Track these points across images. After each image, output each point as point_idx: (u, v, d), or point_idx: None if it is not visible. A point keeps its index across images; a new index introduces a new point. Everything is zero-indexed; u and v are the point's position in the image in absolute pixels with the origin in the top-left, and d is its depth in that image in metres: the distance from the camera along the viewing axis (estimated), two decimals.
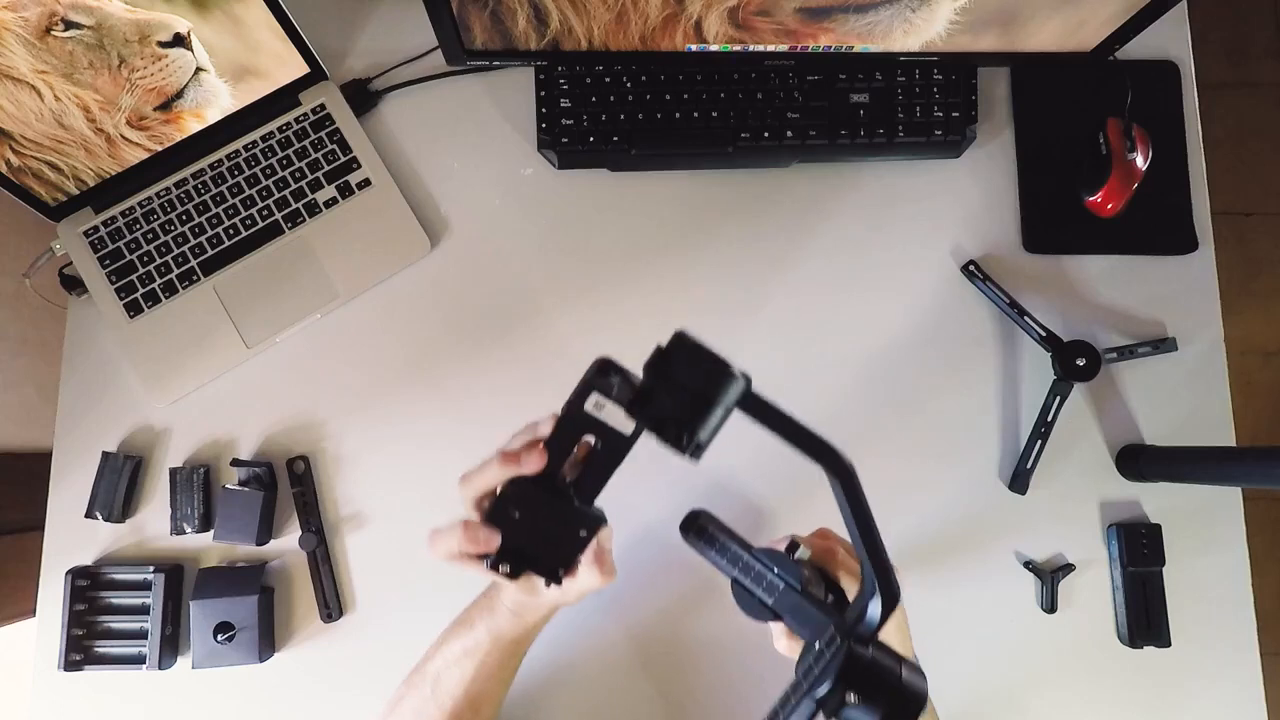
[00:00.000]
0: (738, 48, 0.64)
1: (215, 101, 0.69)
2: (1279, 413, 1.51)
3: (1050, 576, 0.68)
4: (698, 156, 0.73)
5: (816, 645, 0.39)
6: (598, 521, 0.45)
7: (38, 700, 0.67)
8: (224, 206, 0.71)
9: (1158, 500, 0.70)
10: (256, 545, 0.67)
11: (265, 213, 0.72)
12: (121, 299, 0.70)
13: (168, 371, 0.70)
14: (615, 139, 0.71)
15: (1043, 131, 0.75)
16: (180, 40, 0.62)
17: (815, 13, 0.60)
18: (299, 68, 0.70)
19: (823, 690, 0.35)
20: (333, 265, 0.72)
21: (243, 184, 0.72)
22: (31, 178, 0.66)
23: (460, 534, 0.44)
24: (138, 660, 0.66)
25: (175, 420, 0.71)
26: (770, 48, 0.64)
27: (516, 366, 0.71)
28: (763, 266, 0.73)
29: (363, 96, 0.74)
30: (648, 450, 0.39)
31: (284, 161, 0.72)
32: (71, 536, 0.69)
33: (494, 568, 0.45)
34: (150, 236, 0.71)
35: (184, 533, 0.68)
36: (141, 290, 0.71)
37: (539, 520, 0.45)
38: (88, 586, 0.67)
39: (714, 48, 0.64)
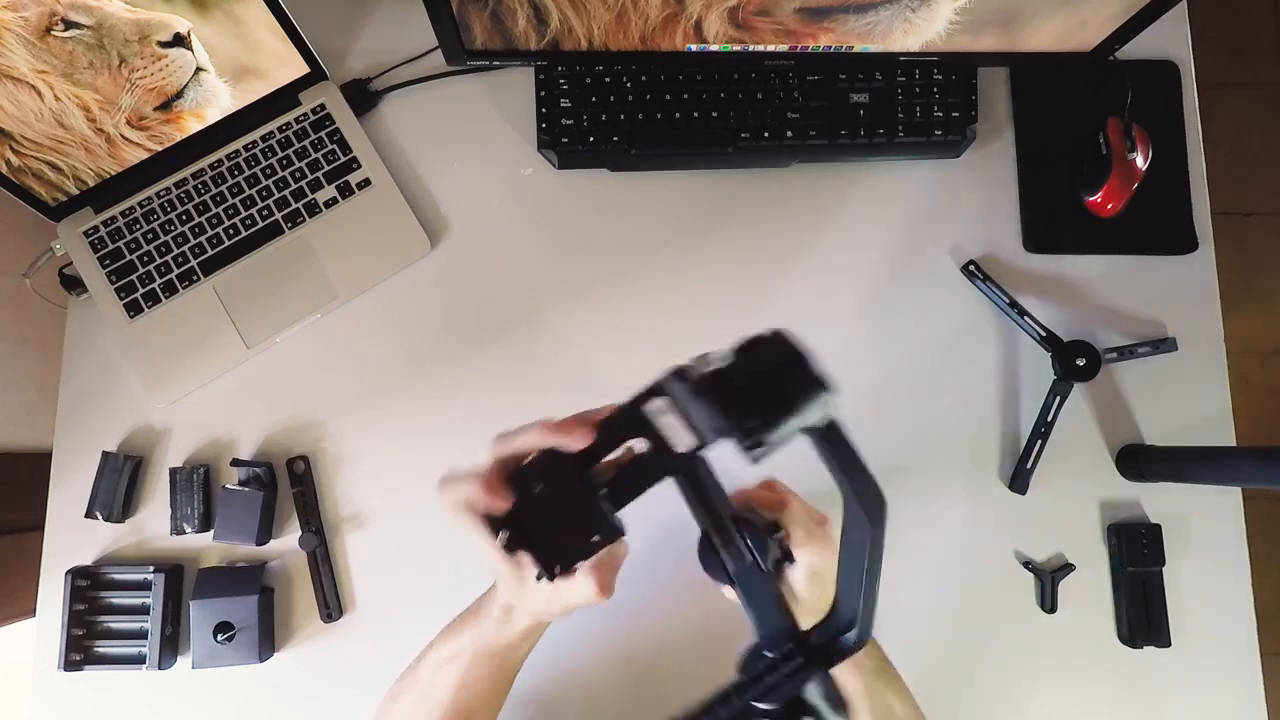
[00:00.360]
0: (738, 48, 0.64)
1: (215, 101, 0.69)
2: (1279, 413, 1.51)
3: (1050, 576, 0.68)
4: (698, 156, 0.73)
5: (768, 653, 0.38)
6: (615, 532, 0.41)
7: (38, 700, 0.67)
8: (224, 206, 0.71)
9: (1158, 500, 0.70)
10: (256, 545, 0.67)
11: (265, 213, 0.72)
12: (121, 299, 0.70)
13: (168, 371, 0.70)
14: (615, 139, 0.71)
15: (1043, 131, 0.75)
16: (180, 40, 0.62)
17: (815, 13, 0.60)
18: (299, 68, 0.70)
19: (770, 708, 0.35)
20: (333, 265, 0.72)
21: (243, 184, 0.72)
22: (31, 178, 0.66)
23: (475, 484, 0.41)
24: (138, 660, 0.66)
25: (175, 420, 0.71)
26: (770, 48, 0.64)
27: (516, 366, 0.71)
28: (762, 266, 0.73)
29: (363, 96, 0.74)
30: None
31: (284, 161, 0.72)
32: (71, 536, 0.69)
33: (494, 531, 0.42)
34: (150, 236, 0.71)
35: (184, 533, 0.68)
36: (141, 290, 0.71)
37: (559, 505, 0.41)
38: (88, 586, 0.67)
39: (714, 48, 0.64)
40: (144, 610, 0.66)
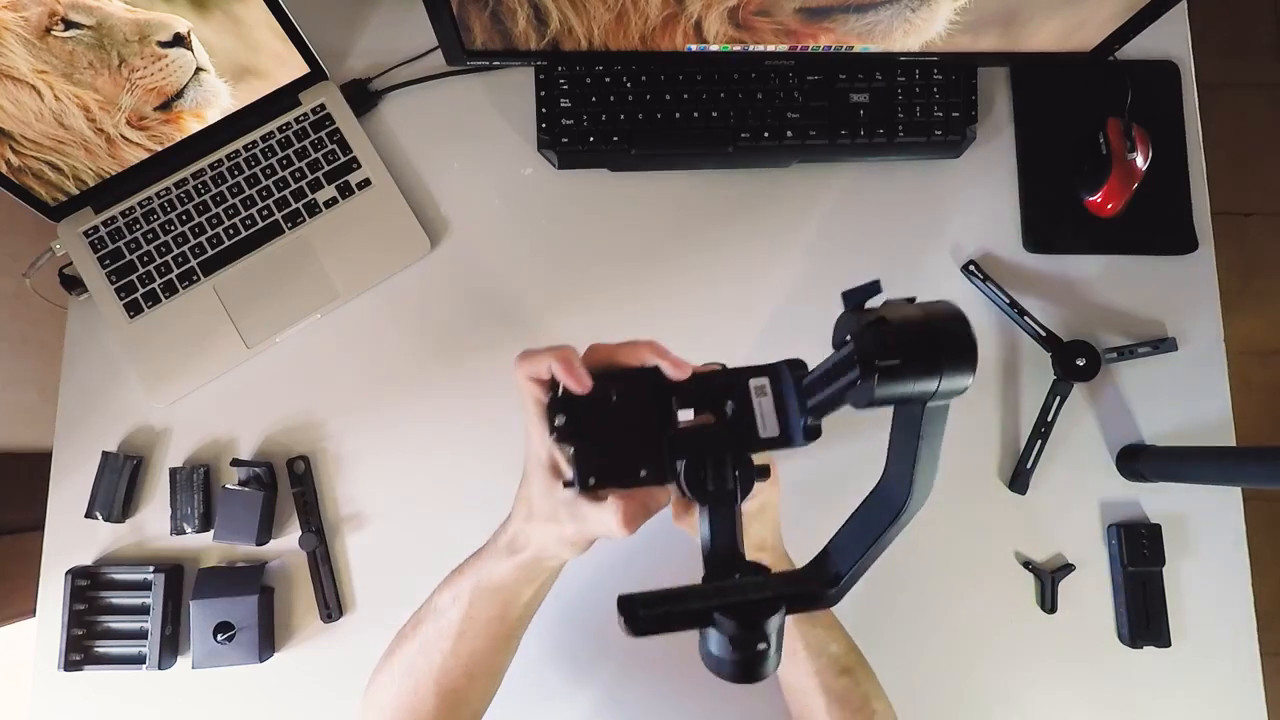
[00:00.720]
0: (738, 48, 0.64)
1: (215, 101, 0.69)
2: (1279, 413, 1.51)
3: (1050, 576, 0.68)
4: (698, 156, 0.73)
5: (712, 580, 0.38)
6: (664, 475, 0.40)
7: (38, 700, 0.67)
8: (224, 206, 0.71)
9: (1158, 500, 0.70)
10: (256, 545, 0.67)
11: (265, 213, 0.72)
12: (121, 299, 0.70)
13: (168, 371, 0.70)
14: (615, 139, 0.71)
15: (1043, 131, 0.75)
16: (180, 40, 0.62)
17: (815, 13, 0.60)
18: (299, 68, 0.70)
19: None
20: (333, 265, 0.72)
21: (243, 184, 0.72)
22: (31, 178, 0.66)
23: (561, 358, 0.40)
24: (138, 660, 0.66)
25: (175, 420, 0.71)
26: (770, 48, 0.64)
27: None
28: (762, 266, 0.73)
29: (363, 96, 0.74)
30: None
31: (284, 161, 0.72)
32: (71, 536, 0.69)
33: (550, 408, 0.41)
34: (150, 236, 0.71)
35: (184, 533, 0.68)
36: (141, 290, 0.71)
37: (626, 422, 0.40)
38: (88, 586, 0.67)
39: (714, 48, 0.64)
40: (144, 610, 0.66)
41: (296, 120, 0.72)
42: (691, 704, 0.66)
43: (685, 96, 0.71)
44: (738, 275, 0.73)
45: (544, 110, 0.71)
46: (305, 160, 0.72)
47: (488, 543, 0.49)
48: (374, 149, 0.73)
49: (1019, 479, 0.69)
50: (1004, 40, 0.64)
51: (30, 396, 0.79)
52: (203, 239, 0.71)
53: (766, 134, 0.71)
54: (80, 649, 0.66)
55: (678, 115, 0.71)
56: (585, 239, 0.74)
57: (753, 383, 0.40)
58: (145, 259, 0.71)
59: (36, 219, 0.70)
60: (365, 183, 0.72)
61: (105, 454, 0.69)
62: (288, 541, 0.69)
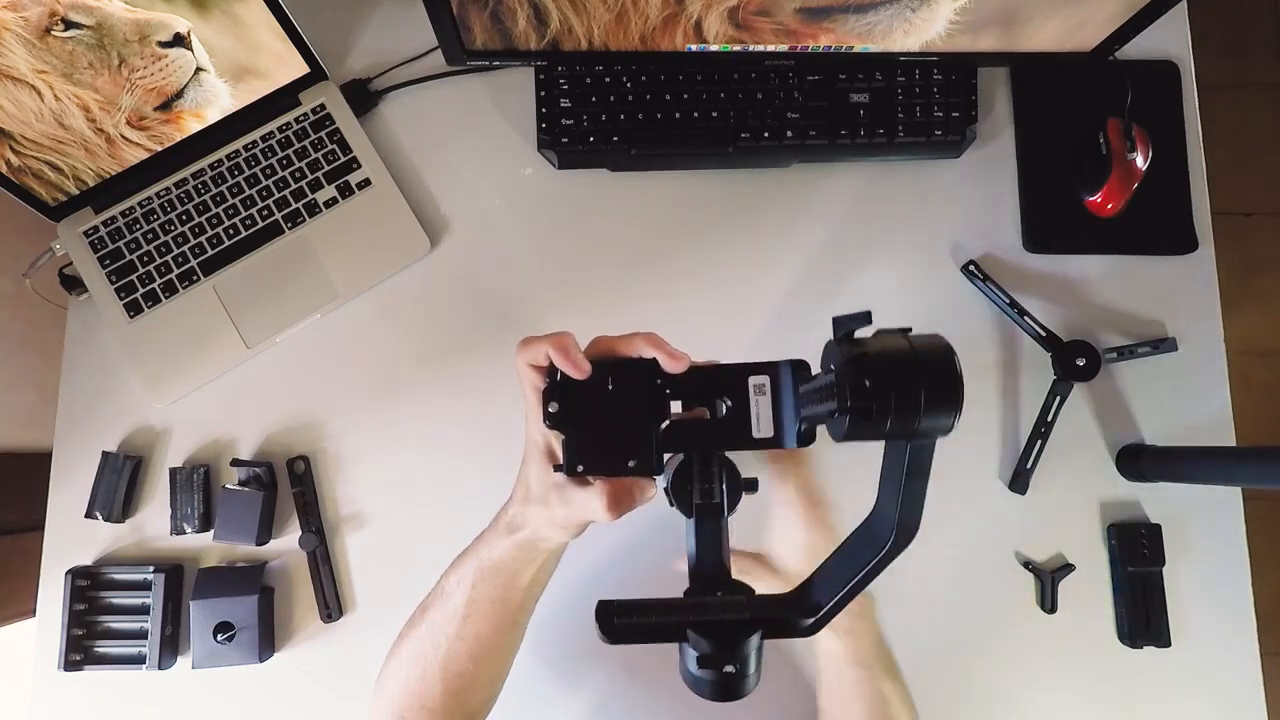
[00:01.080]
0: (738, 48, 0.64)
1: (215, 101, 0.69)
2: (1279, 413, 1.51)
3: (1050, 576, 0.68)
4: (698, 156, 0.73)
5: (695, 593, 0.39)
6: (650, 468, 0.41)
7: (38, 700, 0.67)
8: (224, 206, 0.71)
9: (1158, 500, 0.70)
10: (256, 545, 0.67)
11: (265, 213, 0.72)
12: (121, 299, 0.70)
13: (168, 371, 0.70)
14: (615, 139, 0.71)
15: (1043, 131, 0.75)
16: (180, 40, 0.62)
17: (815, 13, 0.60)
18: (299, 68, 0.70)
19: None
20: (333, 265, 0.72)
21: (243, 184, 0.72)
22: (31, 178, 0.66)
23: (560, 345, 0.41)
24: (138, 660, 0.66)
25: (175, 420, 0.71)
26: (770, 48, 0.64)
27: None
28: (762, 266, 0.73)
29: (363, 96, 0.74)
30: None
31: (284, 161, 0.72)
32: (71, 536, 0.69)
33: (545, 395, 0.41)
34: (150, 236, 0.71)
35: (184, 533, 0.68)
36: (141, 290, 0.71)
37: (619, 413, 0.41)
38: (88, 586, 0.67)
39: (714, 48, 0.64)
40: (144, 610, 0.66)
41: (296, 120, 0.72)
42: (688, 711, 0.66)
43: (685, 96, 0.71)
44: (737, 275, 0.73)
45: (544, 110, 0.71)
46: (305, 160, 0.72)
47: (490, 524, 0.49)
48: (374, 149, 0.73)
49: (1019, 479, 0.69)
50: (1004, 40, 0.64)
51: (30, 396, 0.79)
52: (203, 239, 0.71)
53: (766, 134, 0.71)
54: (80, 649, 0.66)
55: (678, 115, 0.71)
56: (585, 239, 0.74)
57: (753, 380, 0.40)
58: (145, 259, 0.71)
59: (36, 219, 0.70)
60: (365, 183, 0.72)
61: (105, 454, 0.69)
62: (288, 541, 0.69)
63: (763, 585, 0.50)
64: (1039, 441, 0.69)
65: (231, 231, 0.71)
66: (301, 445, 0.71)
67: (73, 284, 0.72)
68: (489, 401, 0.71)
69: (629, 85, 0.71)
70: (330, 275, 0.72)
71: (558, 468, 0.42)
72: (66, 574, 0.66)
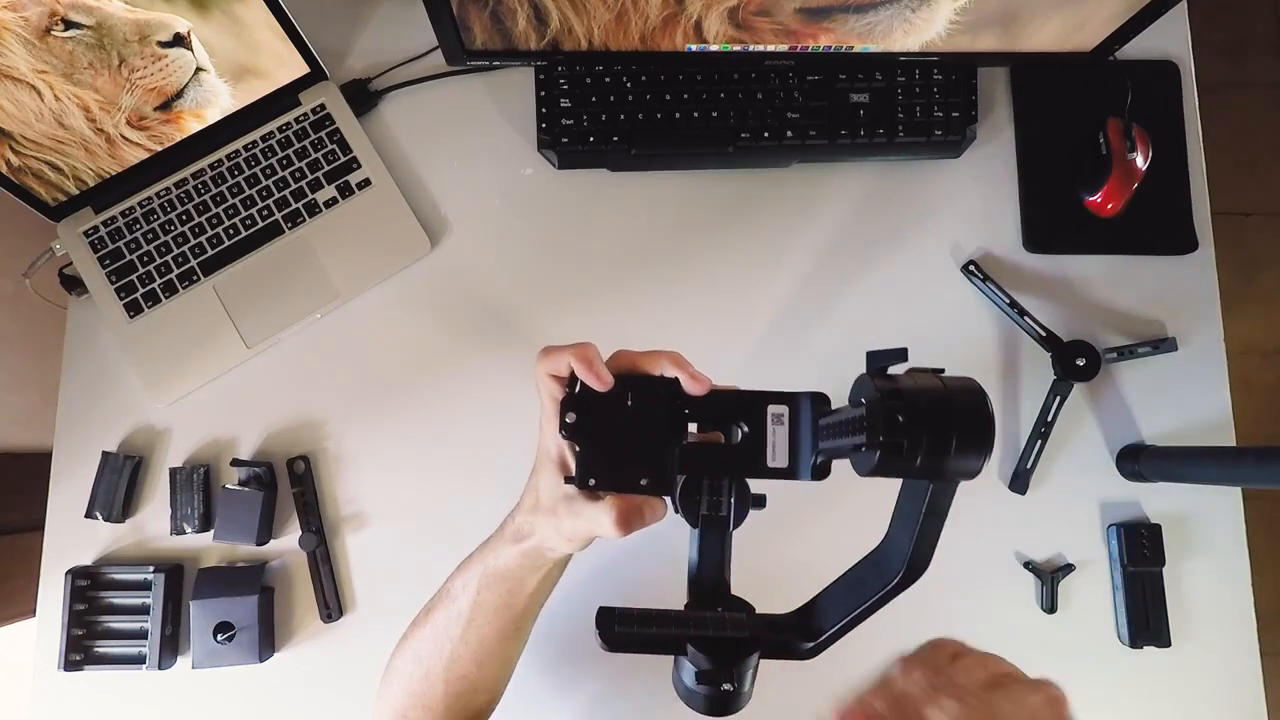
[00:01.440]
0: (738, 48, 0.64)
1: (215, 101, 0.69)
2: (1279, 413, 1.51)
3: (1050, 576, 0.68)
4: (698, 156, 0.73)
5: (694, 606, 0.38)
6: (663, 487, 0.41)
7: (38, 700, 0.67)
8: (224, 206, 0.71)
9: (1158, 500, 0.70)
10: (256, 545, 0.67)
11: (265, 213, 0.72)
12: (121, 299, 0.70)
13: (168, 371, 0.70)
14: (615, 139, 0.71)
15: (1043, 131, 0.75)
16: (180, 40, 0.62)
17: (815, 13, 0.60)
18: (299, 68, 0.70)
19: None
20: (333, 265, 0.72)
21: (243, 184, 0.72)
22: (31, 178, 0.66)
23: (576, 354, 0.41)
24: (138, 660, 0.66)
25: (175, 420, 0.71)
26: (770, 48, 0.64)
27: (517, 365, 0.71)
28: (762, 266, 0.73)
29: (363, 96, 0.74)
30: None
31: (284, 161, 0.72)
32: (71, 536, 0.69)
33: (563, 405, 0.41)
34: (150, 236, 0.71)
35: (184, 533, 0.68)
36: (141, 290, 0.71)
37: (636, 429, 0.41)
38: (88, 586, 0.67)
39: (714, 48, 0.64)
40: (144, 610, 0.66)
41: (296, 120, 0.72)
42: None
43: (685, 96, 0.71)
44: (738, 275, 0.73)
45: (544, 110, 0.71)
46: (305, 160, 0.72)
47: (497, 529, 0.49)
48: (374, 149, 0.73)
49: (1019, 479, 0.69)
50: (1004, 40, 0.64)
51: (30, 396, 0.80)
52: (203, 239, 0.71)
53: (766, 134, 0.71)
54: (80, 649, 0.66)
55: (678, 115, 0.71)
56: (585, 239, 0.74)
57: (771, 409, 0.40)
58: (145, 259, 0.71)
59: (36, 219, 0.70)
60: (365, 183, 0.72)
61: (105, 454, 0.69)
62: (288, 541, 0.69)
63: None
64: (1039, 441, 0.69)
65: (231, 231, 0.71)
66: (301, 445, 0.71)
67: (73, 284, 0.72)
68: (489, 401, 0.71)
69: (629, 85, 0.70)
70: (330, 275, 0.72)
71: (569, 479, 0.42)
72: (66, 574, 0.66)
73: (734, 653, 0.35)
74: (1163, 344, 0.71)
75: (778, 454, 0.40)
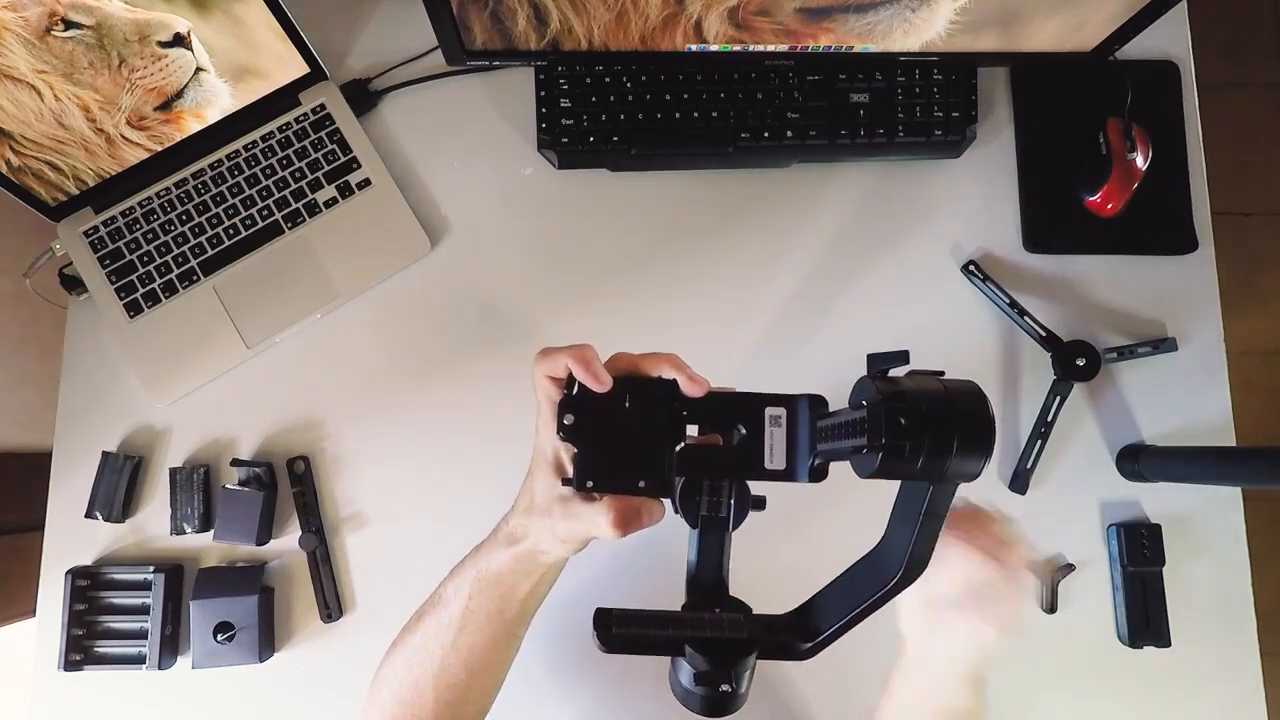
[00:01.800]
0: (738, 48, 0.64)
1: (215, 101, 0.69)
2: (1279, 413, 1.51)
3: (1050, 576, 0.68)
4: (698, 156, 0.73)
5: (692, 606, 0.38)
6: (662, 489, 0.41)
7: (38, 700, 0.67)
8: (224, 206, 0.71)
9: (1158, 500, 0.70)
10: (256, 545, 0.67)
11: (265, 213, 0.72)
12: (121, 299, 0.70)
13: (168, 371, 0.70)
14: (615, 139, 0.71)
15: (1043, 131, 0.75)
16: (180, 40, 0.62)
17: (815, 13, 0.60)
18: (299, 68, 0.70)
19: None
20: (333, 265, 0.72)
21: (243, 184, 0.72)
22: (31, 178, 0.66)
23: (574, 356, 0.40)
24: (138, 660, 0.66)
25: (175, 420, 0.71)
26: (770, 48, 0.64)
27: (516, 366, 0.71)
28: (762, 266, 0.73)
29: (363, 96, 0.74)
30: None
31: (284, 161, 0.72)
32: (71, 536, 0.69)
33: (561, 406, 0.41)
34: (150, 236, 0.71)
35: (184, 533, 0.68)
36: (141, 290, 0.71)
37: (635, 431, 0.41)
38: (88, 586, 0.67)
39: (714, 48, 0.64)
40: (144, 610, 0.66)
41: (296, 120, 0.72)
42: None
43: (685, 96, 0.71)
44: (737, 275, 0.73)
45: (544, 110, 0.71)
46: (305, 160, 0.72)
47: (490, 533, 0.49)
48: (374, 149, 0.73)
49: (1019, 479, 0.69)
50: (1004, 40, 0.64)
51: (30, 396, 0.79)
52: (203, 239, 0.71)
53: (766, 134, 0.71)
54: (80, 649, 0.66)
55: (678, 115, 0.71)
56: (585, 239, 0.74)
57: (769, 411, 0.40)
58: (145, 259, 0.71)
59: (36, 219, 0.70)
60: (365, 183, 0.72)
61: (105, 454, 0.69)
62: (288, 541, 0.69)
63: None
64: (1039, 441, 0.69)
65: (231, 231, 0.71)
66: (301, 445, 0.70)
67: (73, 284, 0.72)
68: (488, 400, 0.71)
69: (629, 85, 0.70)
70: (330, 275, 0.72)
71: (566, 482, 0.42)
72: (66, 574, 0.66)
73: (731, 653, 0.35)
74: (1163, 344, 0.71)
75: (775, 456, 0.40)
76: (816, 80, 0.71)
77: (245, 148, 0.72)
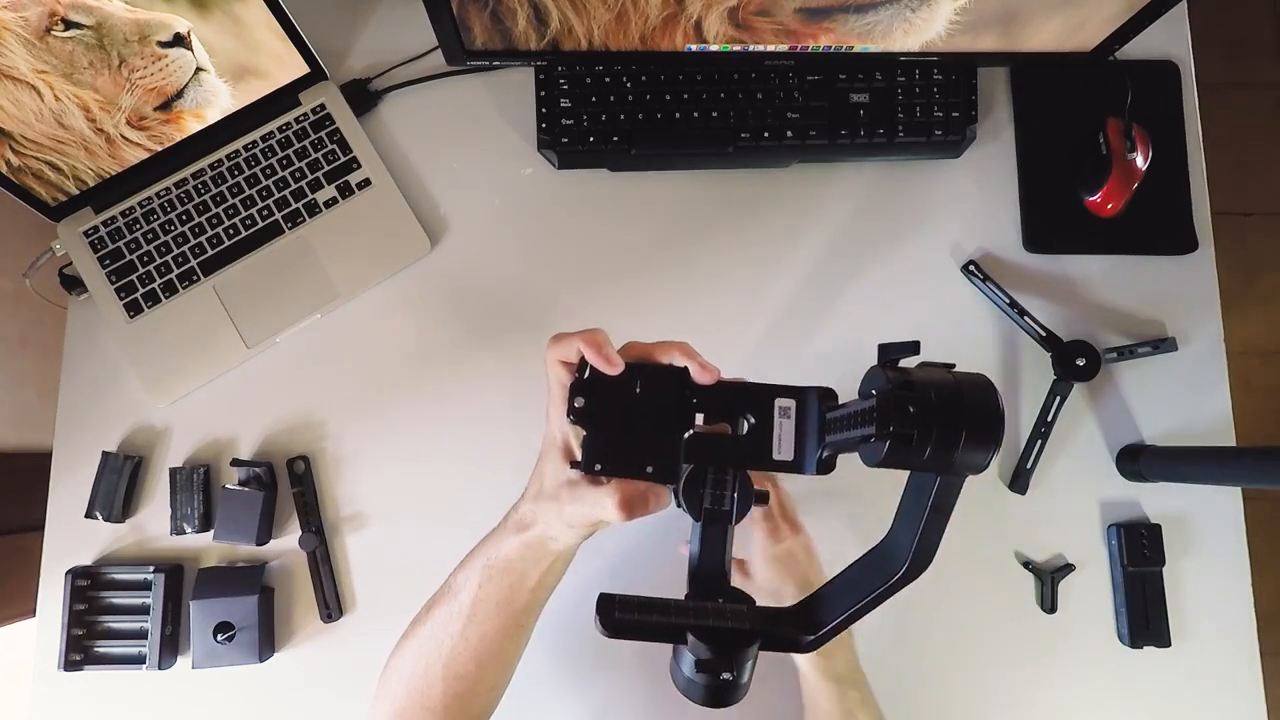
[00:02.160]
0: (738, 48, 0.64)
1: (215, 101, 0.69)
2: (1279, 413, 1.51)
3: (1050, 576, 0.68)
4: (698, 156, 0.73)
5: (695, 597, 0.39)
6: (669, 476, 0.41)
7: (38, 700, 0.67)
8: (224, 206, 0.71)
9: (1158, 500, 0.70)
10: (256, 545, 0.67)
11: (265, 213, 0.72)
12: (121, 299, 0.70)
13: (168, 371, 0.70)
14: (615, 139, 0.71)
15: (1043, 131, 0.75)
16: (180, 40, 0.62)
17: (815, 13, 0.60)
18: (299, 68, 0.70)
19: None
20: (333, 265, 0.72)
21: (243, 184, 0.72)
22: (31, 178, 0.66)
23: (586, 340, 0.41)
24: (138, 660, 0.66)
25: (175, 420, 0.71)
26: (770, 48, 0.64)
27: (516, 366, 0.71)
28: (762, 266, 0.73)
29: (363, 96, 0.74)
30: None
31: (284, 161, 0.72)
32: (71, 536, 0.69)
33: (572, 389, 0.42)
34: (150, 236, 0.71)
35: (184, 533, 0.68)
36: (141, 290, 0.71)
37: (645, 416, 0.41)
38: (88, 586, 0.67)
39: (714, 48, 0.64)
40: (144, 610, 0.66)
41: (296, 120, 0.72)
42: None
43: (685, 96, 0.71)
44: (737, 275, 0.73)
45: (544, 110, 0.71)
46: (305, 160, 0.72)
47: (500, 522, 0.49)
48: (374, 149, 0.73)
49: (1019, 479, 0.69)
50: (1004, 40, 0.64)
51: (30, 396, 0.79)
52: (203, 239, 0.71)
53: (766, 134, 0.71)
54: (80, 649, 0.66)
55: (678, 115, 0.71)
56: (585, 239, 0.74)
57: (779, 402, 0.40)
58: (145, 259, 0.71)
59: (36, 219, 0.70)
60: (365, 183, 0.72)
61: (105, 454, 0.69)
62: (288, 541, 0.69)
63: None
64: (1039, 441, 0.69)
65: (231, 231, 0.71)
66: (301, 445, 0.70)
67: (73, 284, 0.72)
68: (488, 400, 0.71)
69: (629, 85, 0.70)
70: (330, 275, 0.72)
71: (575, 465, 0.42)
72: (66, 574, 0.66)
73: (734, 643, 0.35)
74: (1163, 344, 0.71)
75: (784, 447, 0.40)
76: (816, 80, 0.71)
77: (245, 148, 0.72)
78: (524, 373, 0.71)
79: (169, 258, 0.71)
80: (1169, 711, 0.68)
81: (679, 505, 0.42)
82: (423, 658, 0.50)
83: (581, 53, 0.65)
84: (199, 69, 0.65)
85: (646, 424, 0.41)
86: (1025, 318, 0.70)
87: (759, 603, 0.38)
